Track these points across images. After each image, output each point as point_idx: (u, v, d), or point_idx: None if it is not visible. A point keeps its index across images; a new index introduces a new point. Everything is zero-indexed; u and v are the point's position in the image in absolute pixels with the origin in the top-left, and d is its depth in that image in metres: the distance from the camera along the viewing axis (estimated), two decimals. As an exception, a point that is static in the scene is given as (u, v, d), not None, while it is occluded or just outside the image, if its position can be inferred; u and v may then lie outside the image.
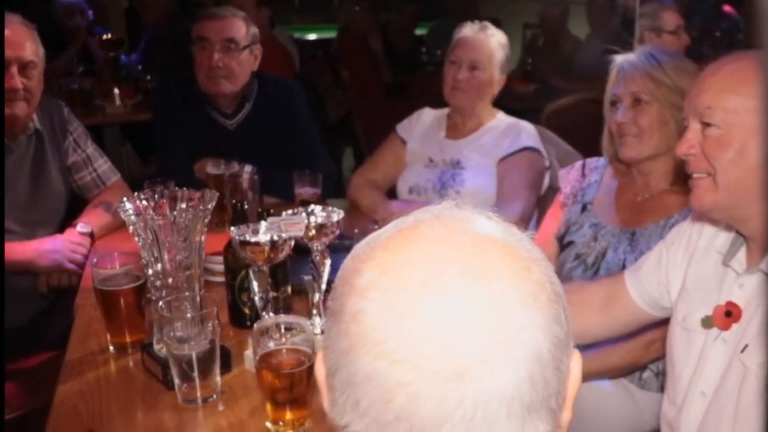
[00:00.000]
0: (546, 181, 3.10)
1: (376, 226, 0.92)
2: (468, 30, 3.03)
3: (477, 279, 0.78)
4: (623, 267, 2.21)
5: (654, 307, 1.93)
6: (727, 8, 5.92)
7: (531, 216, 3.02)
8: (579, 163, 2.61)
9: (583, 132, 2.65)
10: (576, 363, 0.85)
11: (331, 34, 7.24)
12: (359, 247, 0.87)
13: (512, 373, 0.76)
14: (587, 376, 2.23)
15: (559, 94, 4.59)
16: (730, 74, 1.59)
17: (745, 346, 1.60)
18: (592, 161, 2.58)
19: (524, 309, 0.78)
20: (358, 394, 0.78)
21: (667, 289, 1.88)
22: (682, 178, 2.27)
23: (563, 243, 2.48)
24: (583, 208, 2.49)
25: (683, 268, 1.83)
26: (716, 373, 1.67)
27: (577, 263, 2.40)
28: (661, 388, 2.28)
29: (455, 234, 0.83)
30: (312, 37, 8.34)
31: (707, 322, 1.70)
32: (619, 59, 2.37)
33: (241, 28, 3.13)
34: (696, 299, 1.76)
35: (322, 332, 1.91)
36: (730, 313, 1.65)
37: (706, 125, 1.60)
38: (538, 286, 0.80)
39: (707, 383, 1.69)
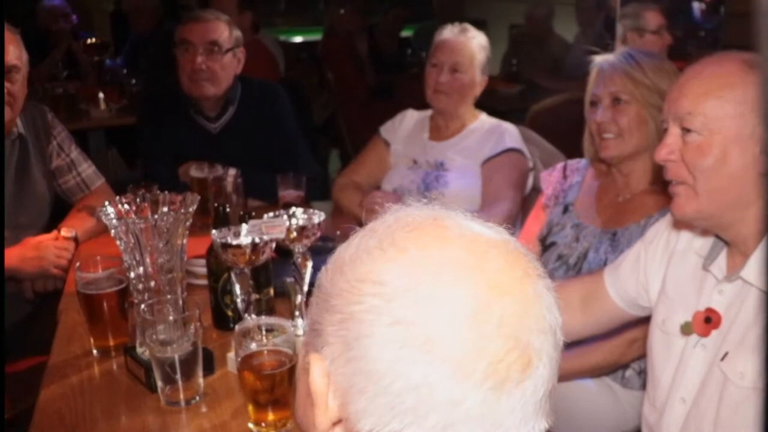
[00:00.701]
0: (530, 182, 3.12)
1: (357, 228, 0.92)
2: (448, 32, 3.04)
3: (522, 277, 0.83)
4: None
5: (632, 306, 1.93)
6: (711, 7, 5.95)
7: (517, 216, 3.04)
8: (560, 165, 2.63)
9: (567, 132, 2.67)
10: None
11: (316, 37, 7.26)
12: (372, 243, 0.85)
13: (551, 363, 0.83)
14: (571, 375, 2.25)
15: (543, 95, 4.60)
16: (711, 78, 1.56)
17: (725, 354, 1.58)
18: (574, 163, 2.60)
19: (551, 302, 0.85)
20: (417, 400, 0.78)
21: (646, 288, 1.87)
22: (661, 178, 2.29)
23: (545, 244, 2.49)
24: (565, 209, 2.50)
25: (662, 269, 1.83)
26: (696, 380, 1.66)
27: (559, 264, 2.42)
28: (644, 386, 2.29)
29: (474, 233, 0.86)
30: (298, 39, 8.35)
31: (686, 329, 1.69)
32: (599, 59, 2.39)
33: (224, 31, 3.14)
34: (675, 303, 1.76)
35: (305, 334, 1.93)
36: (709, 320, 1.64)
37: (686, 130, 1.57)
38: (549, 283, 0.86)
39: (687, 389, 1.68)
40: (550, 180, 2.60)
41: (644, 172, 2.35)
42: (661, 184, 2.28)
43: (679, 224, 1.79)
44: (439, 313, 0.78)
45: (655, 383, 1.81)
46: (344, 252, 0.88)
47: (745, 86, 1.52)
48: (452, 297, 0.79)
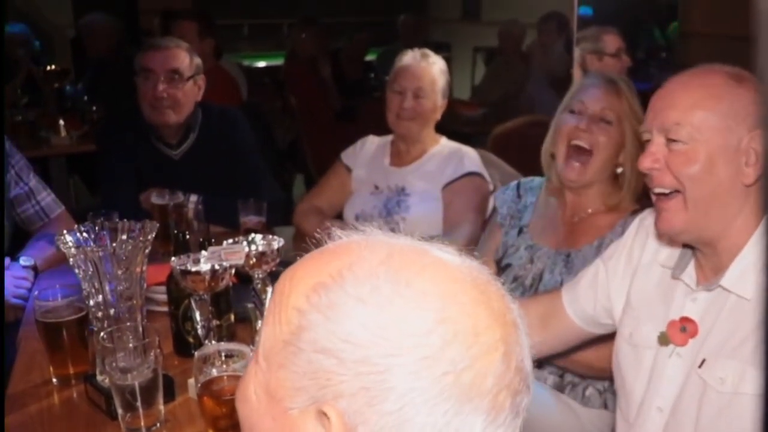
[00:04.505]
0: (490, 205, 3.15)
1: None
2: (409, 58, 3.08)
3: (507, 302, 0.87)
4: (560, 288, 2.25)
5: (591, 324, 1.96)
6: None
7: (478, 239, 3.06)
8: (514, 184, 2.65)
9: (529, 155, 2.70)
10: None
11: (280, 61, 7.27)
12: (373, 284, 0.82)
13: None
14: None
15: (506, 118, 4.65)
16: (699, 89, 1.57)
17: (703, 361, 1.60)
18: (527, 181, 2.63)
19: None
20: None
21: (606, 306, 1.90)
22: (615, 202, 2.32)
23: (501, 266, 2.52)
24: (520, 231, 2.53)
25: (626, 284, 1.85)
26: (673, 389, 1.67)
27: (515, 285, 2.44)
28: (605, 405, 2.32)
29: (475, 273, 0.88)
30: (261, 64, 8.37)
31: (663, 339, 1.69)
32: (590, 74, 2.40)
33: (185, 59, 3.15)
34: (642, 315, 1.77)
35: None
36: (685, 329, 1.66)
37: (671, 140, 1.58)
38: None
39: (664, 399, 1.69)
40: (504, 199, 2.63)
41: (597, 194, 2.39)
42: (614, 205, 2.34)
43: (662, 238, 1.77)
44: (482, 355, 0.79)
45: (627, 397, 1.81)
46: (331, 297, 0.83)
47: (731, 99, 1.53)
48: (484, 335, 0.80)
